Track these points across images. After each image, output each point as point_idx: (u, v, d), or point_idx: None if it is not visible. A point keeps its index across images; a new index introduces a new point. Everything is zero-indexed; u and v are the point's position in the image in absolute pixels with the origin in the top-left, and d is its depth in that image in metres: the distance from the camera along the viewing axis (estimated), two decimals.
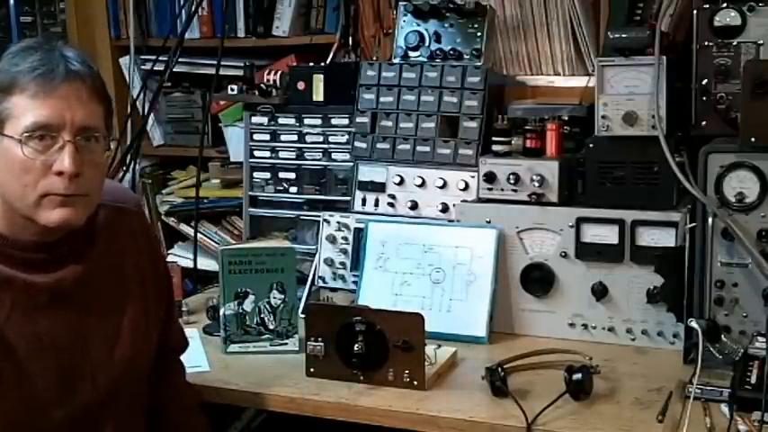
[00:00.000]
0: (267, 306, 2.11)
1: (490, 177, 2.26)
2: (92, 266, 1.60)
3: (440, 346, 2.04)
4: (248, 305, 2.11)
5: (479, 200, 2.31)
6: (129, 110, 3.17)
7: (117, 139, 1.58)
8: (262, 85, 2.72)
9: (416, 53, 2.49)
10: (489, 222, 2.24)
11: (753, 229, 1.92)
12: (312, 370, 1.96)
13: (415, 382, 1.89)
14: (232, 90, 2.77)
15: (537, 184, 2.20)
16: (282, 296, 2.10)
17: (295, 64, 2.83)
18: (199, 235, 2.95)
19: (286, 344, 2.11)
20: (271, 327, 2.11)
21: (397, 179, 2.46)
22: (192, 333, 2.25)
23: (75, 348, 1.57)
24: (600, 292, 2.15)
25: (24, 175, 1.47)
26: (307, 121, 2.68)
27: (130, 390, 1.68)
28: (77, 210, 1.52)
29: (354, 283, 2.40)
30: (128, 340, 1.64)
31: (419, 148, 2.44)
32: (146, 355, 1.72)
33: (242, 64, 2.89)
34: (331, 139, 2.66)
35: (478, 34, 2.44)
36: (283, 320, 2.11)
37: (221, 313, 2.11)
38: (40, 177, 1.47)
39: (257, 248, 2.13)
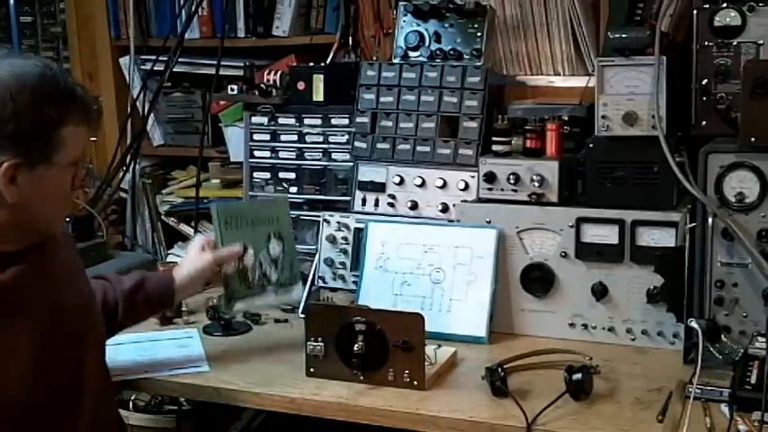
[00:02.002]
0: (267, 257, 2.06)
1: (490, 177, 2.26)
2: (29, 267, 1.63)
3: (440, 346, 2.04)
4: (248, 259, 2.04)
5: (479, 200, 2.31)
6: (129, 110, 3.18)
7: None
8: (262, 85, 2.72)
9: (416, 53, 2.49)
10: (489, 222, 2.24)
11: (753, 229, 1.92)
12: (312, 370, 1.96)
13: (415, 382, 1.89)
14: (232, 90, 2.77)
15: (537, 184, 2.20)
16: (281, 245, 2.06)
17: (295, 64, 2.84)
18: None
19: (291, 290, 2.07)
20: (273, 278, 2.06)
21: (397, 179, 2.46)
22: (192, 333, 2.26)
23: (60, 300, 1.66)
24: (600, 292, 2.15)
25: (68, 196, 1.61)
26: (307, 121, 2.68)
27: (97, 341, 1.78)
28: None
29: (354, 283, 2.40)
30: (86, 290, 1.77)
31: (419, 148, 2.44)
32: (94, 301, 1.83)
33: (242, 64, 2.89)
34: (331, 139, 2.66)
35: (478, 34, 2.44)
36: (285, 270, 2.07)
37: (222, 273, 2.02)
38: (73, 194, 1.64)
39: (251, 203, 2.16)
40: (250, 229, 2.05)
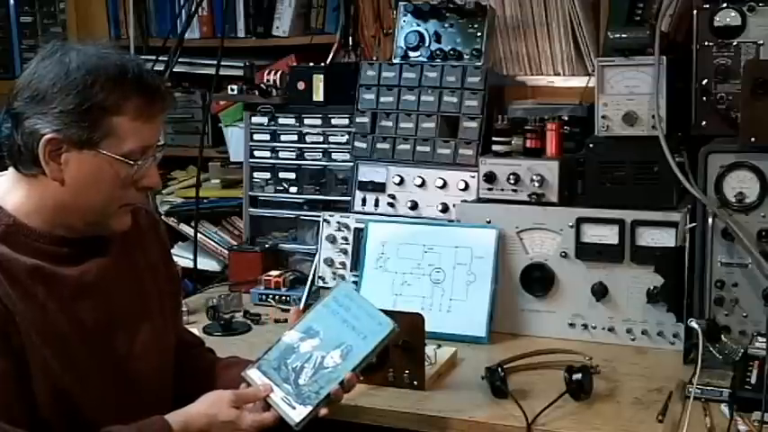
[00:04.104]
0: (318, 360, 1.70)
1: (490, 177, 2.26)
2: (111, 262, 1.63)
3: (440, 346, 2.04)
4: (306, 346, 1.72)
5: (479, 200, 2.31)
6: None
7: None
8: (262, 85, 2.72)
9: (416, 53, 2.49)
10: (489, 222, 2.24)
11: (753, 229, 1.92)
12: None
13: (415, 382, 1.89)
14: (232, 90, 2.77)
15: (537, 184, 2.20)
16: (339, 361, 1.68)
17: (295, 64, 2.84)
18: (199, 235, 2.95)
19: (294, 408, 1.64)
20: (301, 381, 1.68)
21: (397, 179, 2.46)
22: None
23: (100, 338, 1.59)
24: (600, 292, 2.15)
25: (115, 190, 1.54)
26: (307, 121, 2.69)
27: (156, 375, 1.70)
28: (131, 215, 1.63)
29: (354, 283, 2.39)
30: (147, 332, 1.67)
31: (419, 148, 2.44)
32: (165, 346, 1.73)
33: (242, 64, 2.89)
34: (331, 139, 2.66)
35: (478, 34, 2.44)
36: (315, 384, 1.66)
37: (281, 337, 1.75)
38: (127, 191, 1.56)
39: (367, 304, 1.80)
40: (339, 323, 1.74)
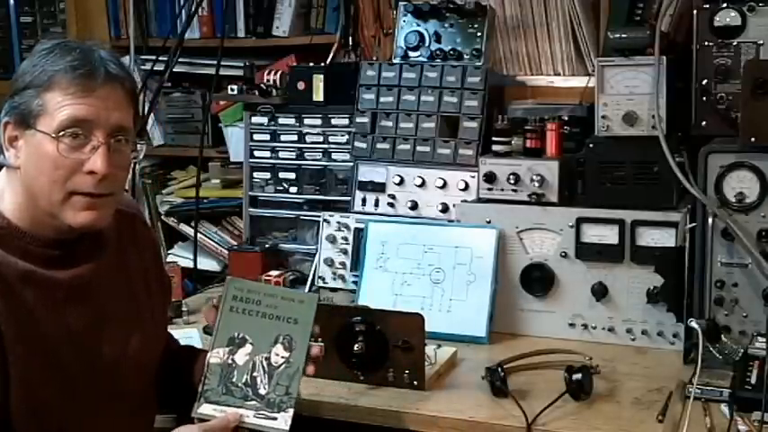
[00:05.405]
0: (264, 363, 1.64)
1: (490, 177, 2.26)
2: (104, 266, 1.62)
3: (440, 346, 2.04)
4: (241, 357, 1.65)
5: (479, 200, 2.31)
6: None
7: (144, 142, 1.67)
8: (262, 85, 2.73)
9: (416, 53, 2.49)
10: (489, 222, 2.24)
11: (753, 229, 1.92)
12: None
13: (415, 382, 1.89)
14: (232, 90, 2.77)
15: (537, 184, 2.20)
16: (287, 354, 1.64)
17: (295, 64, 2.84)
18: (199, 235, 2.96)
19: (275, 419, 1.60)
20: (262, 391, 1.62)
21: (397, 179, 2.46)
22: (191, 333, 2.25)
23: (89, 343, 1.58)
24: (600, 292, 2.15)
25: (54, 171, 1.49)
26: (307, 121, 2.69)
27: (143, 380, 1.69)
28: (102, 211, 1.55)
29: (354, 283, 2.40)
30: (138, 337, 1.66)
31: (419, 148, 2.44)
32: (154, 352, 1.73)
33: (242, 64, 2.89)
34: (331, 139, 2.66)
35: (478, 34, 2.44)
36: (280, 386, 1.62)
37: (206, 360, 1.67)
38: (69, 175, 1.49)
39: (273, 288, 1.78)
40: (258, 319, 1.67)
